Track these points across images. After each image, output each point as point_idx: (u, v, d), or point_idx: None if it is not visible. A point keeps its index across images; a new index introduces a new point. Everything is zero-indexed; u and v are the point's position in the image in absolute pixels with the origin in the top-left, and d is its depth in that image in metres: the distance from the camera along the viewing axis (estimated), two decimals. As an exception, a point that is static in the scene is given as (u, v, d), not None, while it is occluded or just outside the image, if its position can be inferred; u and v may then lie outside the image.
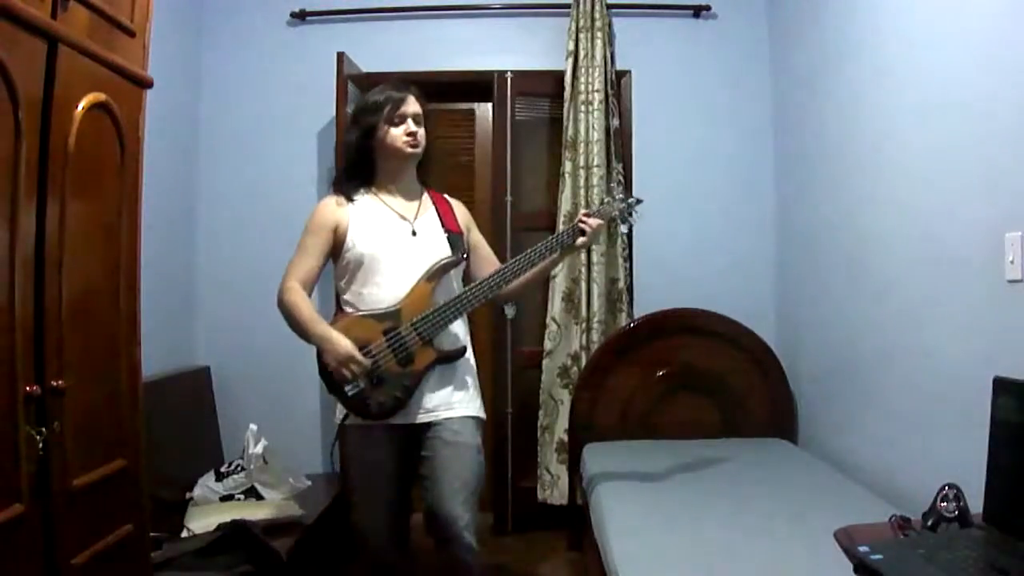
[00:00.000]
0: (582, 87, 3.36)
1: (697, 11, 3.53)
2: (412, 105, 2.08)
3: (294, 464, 3.01)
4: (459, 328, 2.10)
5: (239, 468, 2.86)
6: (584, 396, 3.18)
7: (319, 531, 2.84)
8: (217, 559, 2.27)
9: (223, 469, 2.87)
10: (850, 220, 2.68)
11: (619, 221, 2.25)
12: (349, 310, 2.05)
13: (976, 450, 1.44)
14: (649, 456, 2.83)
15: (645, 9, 3.55)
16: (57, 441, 1.52)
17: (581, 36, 3.38)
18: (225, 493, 2.77)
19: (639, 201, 2.26)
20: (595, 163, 3.34)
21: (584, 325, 3.34)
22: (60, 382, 1.53)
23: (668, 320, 3.23)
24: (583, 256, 3.33)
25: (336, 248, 2.06)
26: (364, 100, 2.11)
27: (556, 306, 3.36)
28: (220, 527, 2.39)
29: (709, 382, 3.18)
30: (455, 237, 2.13)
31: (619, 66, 3.48)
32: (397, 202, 2.11)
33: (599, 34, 3.37)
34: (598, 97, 3.36)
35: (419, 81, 3.50)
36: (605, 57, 3.38)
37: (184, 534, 2.47)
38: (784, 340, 3.33)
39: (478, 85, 3.53)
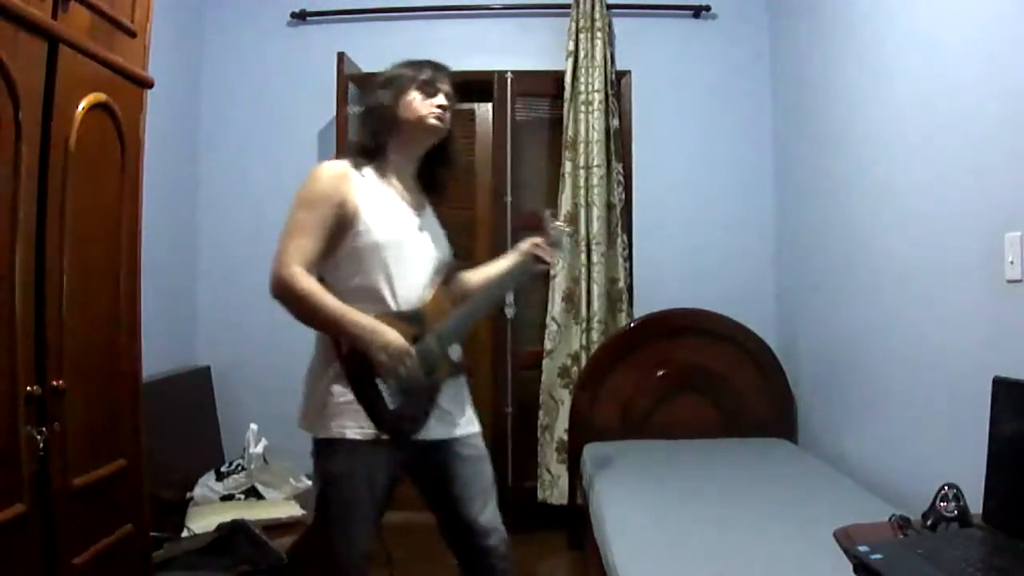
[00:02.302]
0: (582, 87, 3.36)
1: (697, 11, 3.53)
2: (448, 84, 1.87)
3: (294, 464, 3.00)
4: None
5: (239, 468, 2.86)
6: (584, 396, 3.18)
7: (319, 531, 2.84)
8: (217, 559, 2.27)
9: (223, 469, 2.87)
10: (850, 220, 2.68)
11: (557, 249, 2.12)
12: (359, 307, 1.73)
13: (976, 450, 1.44)
14: (649, 456, 2.84)
15: (645, 9, 3.55)
16: (57, 441, 1.52)
17: (581, 36, 3.38)
18: (225, 493, 2.77)
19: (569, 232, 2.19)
20: (595, 163, 3.34)
21: (584, 325, 3.34)
22: (60, 382, 1.53)
23: (668, 320, 3.23)
24: (583, 256, 3.33)
25: (337, 229, 1.73)
26: (399, 66, 1.88)
27: (556, 306, 3.36)
28: (220, 527, 2.38)
29: (709, 382, 3.18)
30: (448, 238, 1.95)
31: (619, 66, 3.48)
32: (402, 187, 1.85)
33: (599, 34, 3.37)
34: (598, 97, 3.36)
35: (419, 81, 3.58)
36: (605, 57, 3.38)
37: (184, 534, 2.46)
38: (784, 340, 3.33)
39: (478, 85, 3.53)
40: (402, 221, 1.80)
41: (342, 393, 1.71)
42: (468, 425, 1.89)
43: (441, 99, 1.83)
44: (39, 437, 1.47)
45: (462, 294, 1.96)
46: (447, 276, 1.88)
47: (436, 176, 1.94)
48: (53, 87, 1.51)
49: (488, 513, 1.86)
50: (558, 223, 2.11)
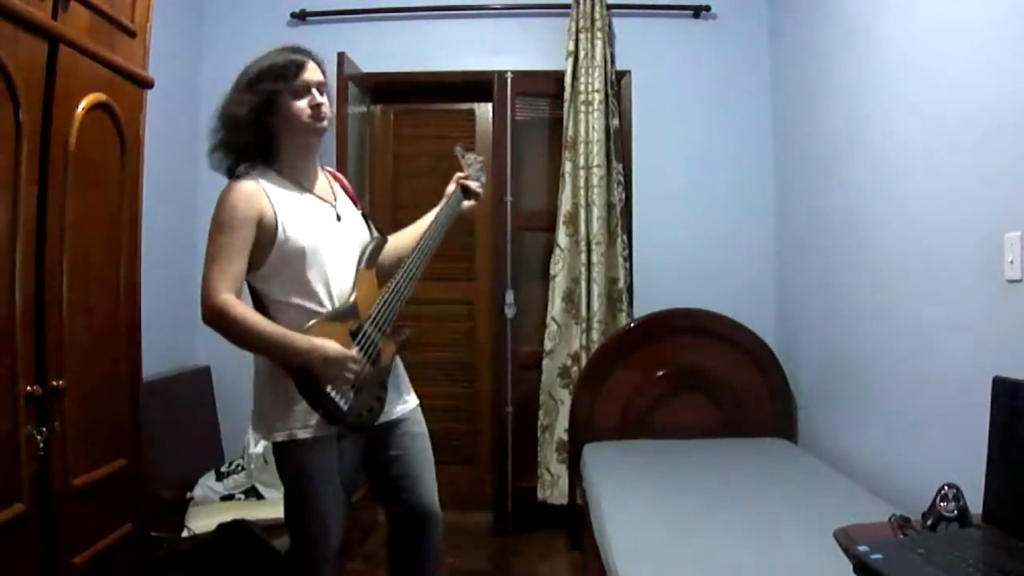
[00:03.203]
0: (582, 87, 3.36)
1: (697, 11, 3.53)
2: (314, 72, 1.82)
3: (294, 464, 3.01)
4: None
5: (239, 468, 2.86)
6: (584, 396, 3.18)
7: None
8: (217, 559, 2.27)
9: (223, 469, 2.88)
10: (850, 219, 2.68)
11: (481, 179, 2.21)
12: (293, 314, 1.72)
13: (976, 450, 1.44)
14: (649, 456, 2.84)
15: (645, 9, 3.54)
16: (57, 441, 1.53)
17: (581, 36, 3.38)
18: (225, 493, 2.78)
19: (481, 160, 2.24)
20: (595, 163, 3.34)
21: (584, 325, 3.34)
22: (60, 382, 1.53)
23: (668, 320, 3.23)
24: (583, 256, 3.33)
25: (260, 244, 1.72)
26: (256, 65, 1.82)
27: (556, 306, 3.36)
28: (220, 527, 2.39)
29: (709, 382, 3.18)
30: (364, 213, 1.97)
31: (619, 66, 3.48)
32: (310, 183, 1.85)
33: (599, 34, 3.37)
34: (598, 97, 3.36)
35: (419, 81, 3.59)
36: (605, 57, 3.38)
37: (184, 534, 2.47)
38: (784, 340, 3.33)
39: (478, 85, 3.53)
40: (320, 219, 1.80)
41: (288, 398, 1.71)
42: (411, 399, 1.95)
43: (315, 95, 1.79)
44: (39, 437, 1.47)
45: (391, 264, 1.95)
46: (371, 256, 1.87)
47: None
48: (53, 87, 1.52)
49: (433, 494, 1.93)
50: (469, 154, 2.20)
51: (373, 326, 1.78)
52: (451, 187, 2.11)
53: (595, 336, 3.31)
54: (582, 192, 3.35)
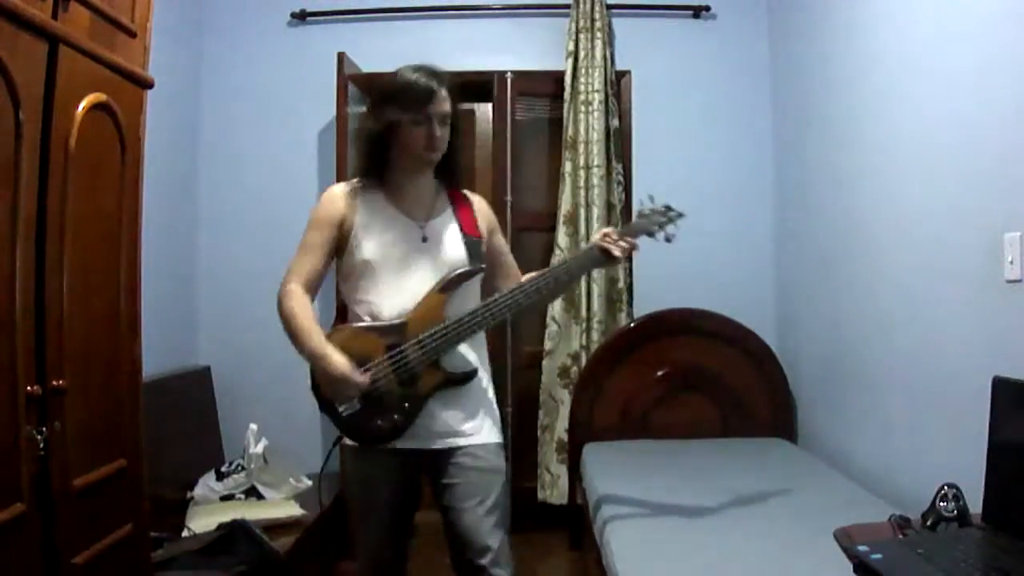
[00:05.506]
0: (582, 87, 3.36)
1: (697, 11, 3.53)
2: (441, 104, 1.81)
3: (294, 464, 3.01)
4: (472, 348, 1.88)
5: (239, 468, 2.86)
6: (584, 396, 3.18)
7: (319, 531, 2.84)
8: (217, 559, 2.27)
9: (223, 469, 2.88)
10: (850, 220, 2.68)
11: (656, 237, 2.05)
12: (351, 320, 1.85)
13: (976, 450, 1.44)
14: (649, 456, 2.84)
15: (645, 9, 3.55)
16: (58, 441, 1.52)
17: (581, 36, 3.39)
18: (225, 493, 2.78)
19: (680, 215, 2.07)
20: (595, 163, 3.34)
21: (584, 325, 3.34)
22: (60, 382, 1.53)
23: (668, 320, 3.23)
24: (583, 256, 3.34)
25: (341, 245, 1.84)
26: (390, 84, 1.86)
27: (556, 306, 3.36)
28: (220, 527, 2.39)
29: (709, 382, 3.19)
30: (474, 243, 1.89)
31: (619, 66, 3.48)
32: (407, 201, 1.88)
33: (599, 34, 3.37)
34: (598, 97, 3.36)
35: (419, 81, 3.58)
36: (605, 57, 3.38)
37: (184, 534, 2.47)
38: (784, 340, 3.33)
39: (478, 85, 3.53)
40: (401, 236, 1.84)
41: None
42: (473, 436, 1.83)
43: (433, 127, 1.79)
44: (39, 437, 1.47)
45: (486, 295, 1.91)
46: (449, 282, 1.82)
47: (447, 169, 1.92)
48: (53, 87, 1.51)
49: (483, 529, 1.77)
50: (650, 206, 2.02)
51: (417, 348, 1.77)
52: (595, 236, 1.97)
53: (595, 336, 3.31)
54: (582, 192, 3.36)
